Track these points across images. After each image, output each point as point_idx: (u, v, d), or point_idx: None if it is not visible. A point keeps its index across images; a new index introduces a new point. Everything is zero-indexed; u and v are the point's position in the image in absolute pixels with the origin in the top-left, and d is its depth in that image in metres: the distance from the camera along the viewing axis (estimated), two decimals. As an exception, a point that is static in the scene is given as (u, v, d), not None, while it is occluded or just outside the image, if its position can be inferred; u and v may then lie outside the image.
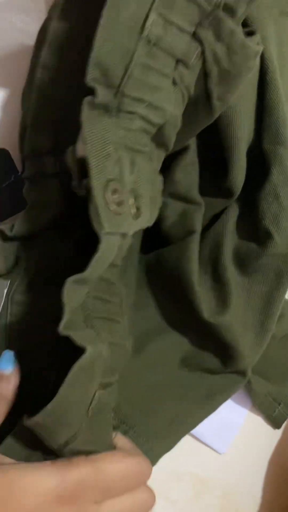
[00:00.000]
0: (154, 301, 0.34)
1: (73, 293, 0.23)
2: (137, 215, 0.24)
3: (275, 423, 0.38)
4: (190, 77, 0.24)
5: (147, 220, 0.25)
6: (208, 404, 0.33)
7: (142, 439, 0.31)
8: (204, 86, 0.24)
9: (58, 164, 0.28)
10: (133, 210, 0.23)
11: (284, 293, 0.33)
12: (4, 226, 0.30)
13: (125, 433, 0.31)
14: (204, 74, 0.24)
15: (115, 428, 0.30)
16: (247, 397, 0.37)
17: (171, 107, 0.24)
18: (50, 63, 0.26)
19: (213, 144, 0.29)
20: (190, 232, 0.32)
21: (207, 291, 0.33)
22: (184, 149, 0.29)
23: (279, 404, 0.37)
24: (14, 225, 0.29)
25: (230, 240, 0.34)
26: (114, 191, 0.22)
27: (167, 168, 0.31)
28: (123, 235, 0.23)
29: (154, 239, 0.33)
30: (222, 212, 0.34)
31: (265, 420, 0.38)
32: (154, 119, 0.23)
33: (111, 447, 0.27)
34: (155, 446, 0.31)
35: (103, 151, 0.22)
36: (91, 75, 0.21)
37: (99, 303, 0.27)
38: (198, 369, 0.34)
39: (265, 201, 0.31)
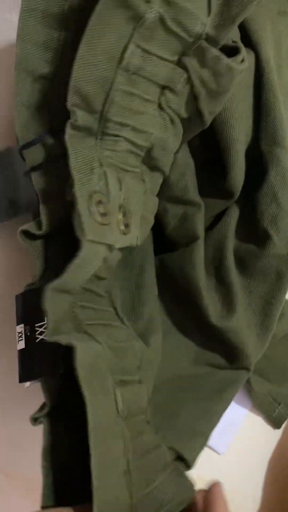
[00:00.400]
0: (159, 303, 0.34)
1: (55, 301, 0.23)
2: (126, 231, 0.24)
3: (275, 423, 0.38)
4: (178, 102, 0.24)
5: (135, 237, 0.25)
6: (222, 398, 0.33)
7: (169, 442, 0.30)
8: (195, 107, 0.25)
9: (58, 143, 0.28)
10: (122, 226, 0.24)
11: (285, 293, 0.33)
12: (28, 225, 0.29)
13: None
14: (194, 97, 0.24)
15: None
16: (247, 397, 0.37)
17: (156, 130, 0.24)
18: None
19: (211, 145, 0.29)
20: (194, 238, 0.32)
21: (212, 293, 0.33)
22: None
23: (279, 404, 0.37)
24: (40, 222, 0.29)
25: (232, 242, 0.34)
26: (99, 203, 0.23)
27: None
28: (109, 247, 0.23)
29: (160, 243, 0.33)
30: (223, 213, 0.34)
31: (265, 420, 0.38)
32: (139, 142, 0.24)
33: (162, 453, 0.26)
34: (184, 448, 0.31)
35: (87, 166, 0.23)
36: (71, 101, 0.22)
37: (91, 312, 0.26)
38: (207, 366, 0.34)
39: (263, 202, 0.31)
